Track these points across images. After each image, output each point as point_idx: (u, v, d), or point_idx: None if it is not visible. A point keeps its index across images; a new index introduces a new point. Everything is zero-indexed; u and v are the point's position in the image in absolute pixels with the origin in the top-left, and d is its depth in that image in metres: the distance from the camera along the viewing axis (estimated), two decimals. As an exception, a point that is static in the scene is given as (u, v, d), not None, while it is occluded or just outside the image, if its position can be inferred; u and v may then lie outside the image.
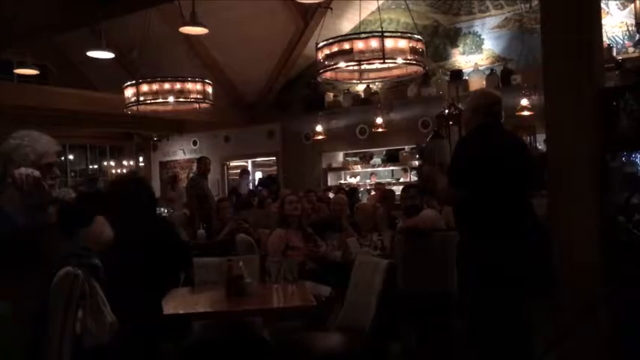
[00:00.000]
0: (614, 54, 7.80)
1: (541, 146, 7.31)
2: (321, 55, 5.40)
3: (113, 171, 14.38)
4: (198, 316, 3.58)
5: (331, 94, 10.75)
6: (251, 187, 11.08)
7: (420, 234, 4.52)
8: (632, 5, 7.54)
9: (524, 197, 3.32)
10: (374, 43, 5.12)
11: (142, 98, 6.89)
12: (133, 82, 7.01)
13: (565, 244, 2.99)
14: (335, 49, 5.26)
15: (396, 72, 5.96)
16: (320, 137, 10.56)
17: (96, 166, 14.64)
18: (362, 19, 9.46)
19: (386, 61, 5.20)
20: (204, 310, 3.50)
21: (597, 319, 2.76)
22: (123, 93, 7.18)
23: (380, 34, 5.17)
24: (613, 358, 2.85)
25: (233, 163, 13.04)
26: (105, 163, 14.72)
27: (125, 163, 14.77)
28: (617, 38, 8.04)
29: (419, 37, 5.47)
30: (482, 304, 3.27)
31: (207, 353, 3.55)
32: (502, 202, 3.18)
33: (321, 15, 9.12)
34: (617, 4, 8.02)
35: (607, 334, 2.83)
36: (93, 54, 8.15)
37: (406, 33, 5.65)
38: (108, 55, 8.22)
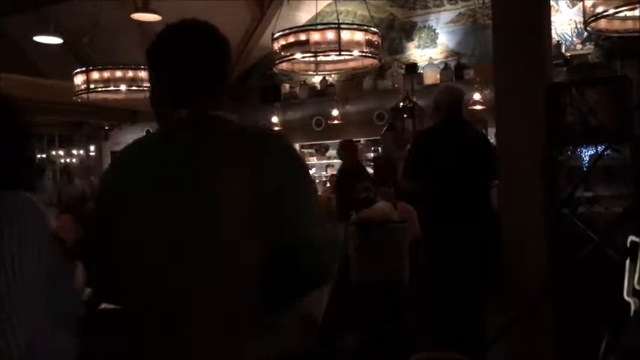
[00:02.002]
0: (563, 50, 8.02)
1: (492, 140, 7.46)
2: (277, 46, 5.36)
3: (62, 160, 13.94)
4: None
5: (287, 86, 10.69)
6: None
7: (373, 226, 4.55)
8: (581, 3, 7.77)
9: (484, 188, 3.45)
10: (330, 35, 5.11)
11: (92, 86, 6.69)
12: (83, 69, 6.80)
13: (512, 238, 3.06)
14: (291, 39, 5.23)
15: (352, 64, 5.97)
16: (276, 128, 10.49)
17: (44, 156, 14.14)
18: (319, 10, 9.41)
19: (342, 53, 5.21)
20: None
21: (541, 309, 2.84)
22: (72, 80, 6.95)
23: (336, 25, 5.16)
24: (556, 344, 2.94)
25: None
26: (53, 153, 14.23)
27: (75, 152, 14.31)
28: (565, 35, 8.27)
29: (375, 29, 5.49)
30: (437, 291, 3.36)
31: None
32: (462, 193, 3.29)
33: (277, 5, 9.04)
34: (566, 2, 8.24)
35: (550, 323, 2.93)
36: (40, 39, 7.87)
37: (362, 25, 5.68)
38: (56, 40, 7.95)
